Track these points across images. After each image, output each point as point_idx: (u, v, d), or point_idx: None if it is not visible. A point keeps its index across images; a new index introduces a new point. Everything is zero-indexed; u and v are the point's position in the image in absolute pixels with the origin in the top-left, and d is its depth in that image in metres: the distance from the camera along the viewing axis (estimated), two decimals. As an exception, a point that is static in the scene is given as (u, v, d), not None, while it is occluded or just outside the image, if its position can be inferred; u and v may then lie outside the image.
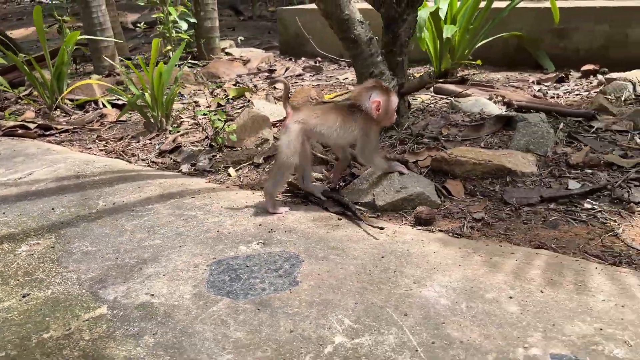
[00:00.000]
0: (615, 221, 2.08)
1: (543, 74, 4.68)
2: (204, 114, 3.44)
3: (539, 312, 1.52)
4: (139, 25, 6.51)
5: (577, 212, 2.16)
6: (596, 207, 2.18)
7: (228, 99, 4.36)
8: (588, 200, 2.23)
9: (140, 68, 4.17)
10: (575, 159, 2.55)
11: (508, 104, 3.60)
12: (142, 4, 5.50)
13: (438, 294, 1.61)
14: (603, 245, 1.93)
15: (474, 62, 4.93)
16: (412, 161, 2.63)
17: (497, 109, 3.42)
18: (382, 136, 3.00)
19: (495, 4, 4.79)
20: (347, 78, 5.01)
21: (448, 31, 4.02)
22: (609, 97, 3.64)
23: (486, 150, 2.57)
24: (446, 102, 3.64)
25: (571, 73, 4.60)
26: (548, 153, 2.63)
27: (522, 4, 5.04)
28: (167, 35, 5.49)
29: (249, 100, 4.24)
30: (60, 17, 5.67)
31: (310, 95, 3.41)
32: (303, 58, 6.09)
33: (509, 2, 4.56)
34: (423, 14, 3.90)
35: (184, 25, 5.70)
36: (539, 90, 3.95)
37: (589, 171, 2.47)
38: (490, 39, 4.71)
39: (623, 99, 3.58)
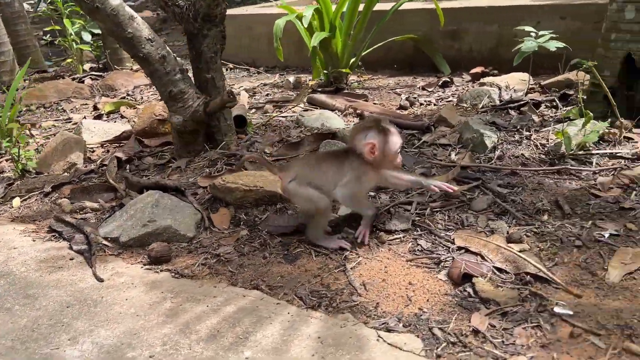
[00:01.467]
0: (357, 254, 1.93)
1: (436, 77, 4.51)
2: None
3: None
4: (44, 38, 6.40)
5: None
6: (349, 237, 2.02)
7: (101, 114, 4.24)
8: (346, 228, 2.07)
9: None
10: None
11: (361, 116, 3.44)
12: (40, 14, 5.39)
13: (80, 354, 1.47)
14: (322, 283, 1.78)
15: (360, 69, 4.78)
16: (204, 186, 2.49)
17: (341, 123, 3.27)
18: (199, 157, 2.86)
19: (384, 7, 4.63)
20: (242, 86, 4.87)
21: (316, 39, 3.85)
22: (465, 104, 3.46)
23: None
24: (292, 117, 3.49)
25: (463, 75, 4.43)
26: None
27: (417, 5, 4.87)
28: (68, 47, 5.39)
29: (122, 116, 4.11)
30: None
31: (154, 112, 3.27)
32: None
33: (404, 3, 4.38)
34: (280, 22, 3.74)
35: (87, 37, 5.59)
36: (406, 98, 3.78)
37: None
38: (382, 43, 4.55)
39: (480, 106, 3.40)
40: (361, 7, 4.17)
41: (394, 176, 2.03)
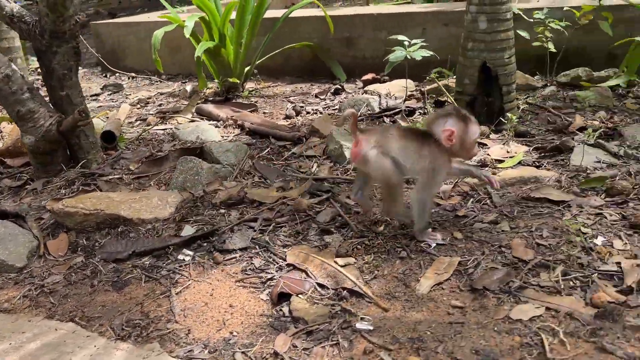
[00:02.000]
0: (188, 277, 1.90)
1: (332, 84, 4.55)
2: None
3: None
4: None
5: (162, 266, 1.97)
6: (186, 259, 2.00)
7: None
8: (185, 250, 2.05)
9: None
10: (221, 197, 2.37)
11: (241, 127, 3.43)
12: None
13: None
14: (143, 311, 1.75)
15: (255, 77, 4.77)
16: (50, 209, 2.39)
17: (217, 135, 3.23)
18: (58, 177, 2.75)
19: (277, 14, 4.64)
20: (137, 96, 4.74)
21: (200, 49, 3.80)
22: (342, 113, 3.50)
23: (123, 194, 2.36)
24: (169, 129, 3.42)
25: (357, 82, 4.49)
26: (200, 191, 2.44)
27: (313, 13, 4.90)
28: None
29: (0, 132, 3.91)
30: None
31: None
32: (117, 74, 5.78)
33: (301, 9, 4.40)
34: (158, 34, 3.67)
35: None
36: (293, 108, 3.79)
37: (223, 210, 2.30)
38: (278, 50, 4.55)
39: (358, 114, 3.45)
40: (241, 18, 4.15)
41: (457, 167, 2.03)
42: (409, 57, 3.23)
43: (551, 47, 3.49)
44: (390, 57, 3.17)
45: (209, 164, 2.56)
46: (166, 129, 3.47)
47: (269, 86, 4.72)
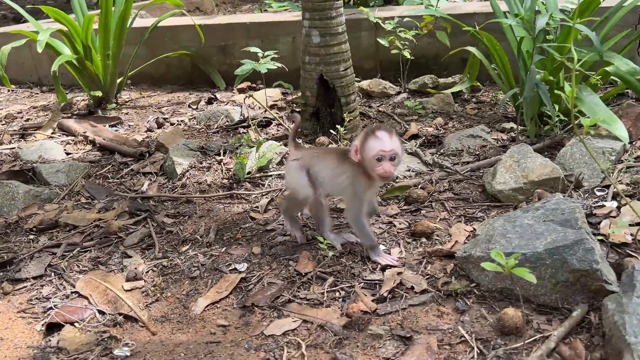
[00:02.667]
0: (-27, 309, 1.86)
1: (211, 92, 4.54)
2: None
3: None
4: None
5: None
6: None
7: None
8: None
9: None
10: (34, 222, 2.33)
11: (93, 143, 3.37)
12: None
13: None
14: None
15: (130, 88, 4.71)
16: None
17: (61, 154, 3.17)
18: None
19: (146, 23, 4.59)
20: (13, 111, 4.55)
21: (56, 64, 3.70)
22: (198, 125, 3.52)
23: None
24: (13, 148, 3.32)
25: (234, 91, 4.51)
26: (14, 216, 2.39)
27: (190, 21, 4.87)
28: None
29: None
30: None
31: None
32: (-4, 87, 5.52)
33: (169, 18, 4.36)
34: (5, 49, 3.55)
35: None
36: (156, 120, 3.76)
37: (33, 236, 2.26)
38: (153, 60, 4.50)
39: (215, 126, 3.48)
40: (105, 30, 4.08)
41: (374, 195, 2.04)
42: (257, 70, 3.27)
43: (407, 54, 3.64)
44: (237, 71, 3.21)
45: (30, 186, 2.51)
46: (13, 148, 3.36)
47: (148, 96, 4.66)
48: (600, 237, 1.78)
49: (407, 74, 3.77)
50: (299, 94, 3.25)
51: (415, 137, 2.99)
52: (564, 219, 1.66)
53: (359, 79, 3.80)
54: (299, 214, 2.20)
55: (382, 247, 1.96)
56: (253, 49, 3.41)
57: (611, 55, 2.39)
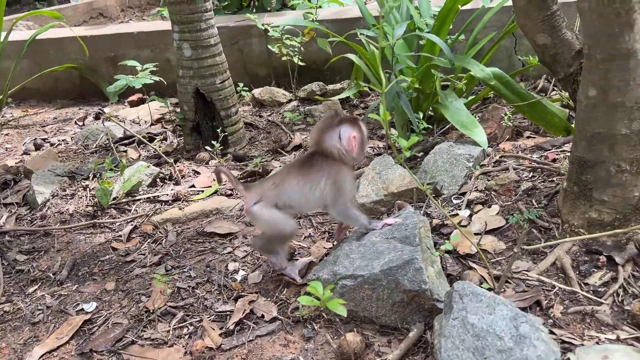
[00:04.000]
0: None
1: (102, 106, 4.32)
2: None
3: None
4: None
5: None
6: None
7: None
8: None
9: None
10: None
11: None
12: None
13: None
14: None
15: (11, 105, 4.42)
16: None
17: None
18: None
19: (22, 36, 4.31)
20: None
21: None
22: (75, 146, 3.33)
23: None
24: None
25: (125, 104, 4.31)
26: None
27: (79, 32, 4.61)
28: None
29: None
30: None
31: None
32: None
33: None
34: None
35: None
36: (33, 141, 3.52)
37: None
38: (39, 74, 4.22)
39: (95, 146, 3.29)
40: None
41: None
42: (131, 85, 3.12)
43: (297, 61, 3.60)
44: (109, 88, 3.04)
45: None
46: None
47: (34, 113, 4.37)
48: (449, 247, 1.80)
49: (300, 80, 3.73)
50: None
51: (298, 147, 2.95)
52: (405, 235, 1.66)
53: (246, 89, 3.73)
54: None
55: (374, 221, 1.80)
56: (130, 63, 3.26)
57: (468, 62, 2.43)
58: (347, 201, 1.75)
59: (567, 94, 2.70)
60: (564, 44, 1.69)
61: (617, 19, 1.45)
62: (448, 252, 1.79)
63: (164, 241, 2.21)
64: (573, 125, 2.47)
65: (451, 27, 2.70)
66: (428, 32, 2.77)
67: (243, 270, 1.95)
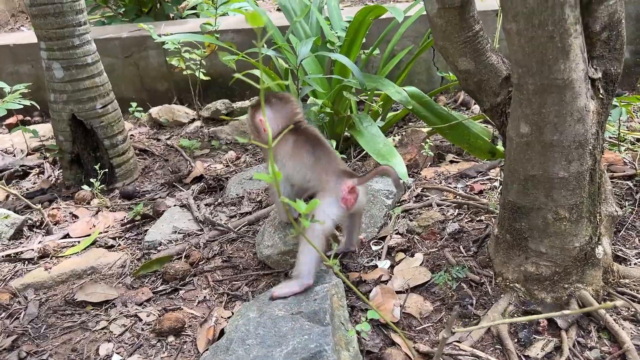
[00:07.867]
0: None
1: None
2: None
3: None
4: None
5: None
6: None
7: None
8: None
9: None
10: None
11: None
12: None
13: None
14: None
15: None
16: None
17: None
18: None
19: None
20: None
21: None
22: None
23: None
24: None
25: (3, 126, 3.70)
26: None
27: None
28: None
29: None
30: None
31: None
32: None
33: None
34: None
35: None
36: None
37: None
38: None
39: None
40: None
41: None
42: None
43: (201, 75, 3.20)
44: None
45: None
46: None
47: None
48: (367, 327, 1.44)
49: (206, 94, 3.33)
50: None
51: (200, 179, 2.56)
52: (313, 309, 1.34)
53: (140, 109, 3.27)
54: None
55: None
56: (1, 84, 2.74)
57: (382, 83, 2.17)
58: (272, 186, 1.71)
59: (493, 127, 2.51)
60: (489, 69, 1.44)
61: (551, 44, 1.21)
62: (372, 319, 1.48)
63: (22, 315, 1.76)
64: (498, 147, 2.29)
65: (364, 40, 2.43)
66: (340, 46, 2.49)
67: (118, 354, 1.55)
